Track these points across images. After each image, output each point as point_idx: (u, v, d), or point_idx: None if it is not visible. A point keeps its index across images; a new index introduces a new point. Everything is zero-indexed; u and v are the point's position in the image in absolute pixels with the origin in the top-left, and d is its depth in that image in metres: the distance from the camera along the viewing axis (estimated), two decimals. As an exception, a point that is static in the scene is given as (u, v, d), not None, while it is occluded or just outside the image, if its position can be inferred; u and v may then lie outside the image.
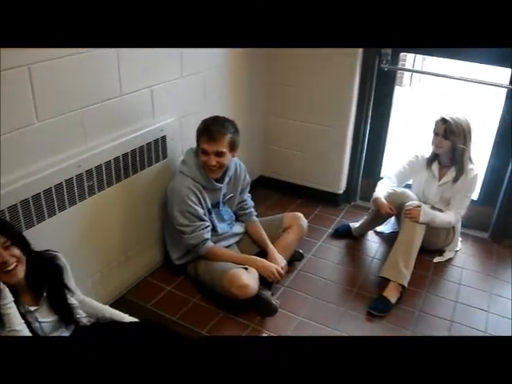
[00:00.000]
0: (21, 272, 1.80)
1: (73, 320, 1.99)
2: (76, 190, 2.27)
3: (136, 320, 2.17)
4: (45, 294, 1.93)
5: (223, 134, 2.61)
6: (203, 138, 2.62)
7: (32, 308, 1.87)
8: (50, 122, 2.12)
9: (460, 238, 3.43)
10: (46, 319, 1.91)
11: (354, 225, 3.54)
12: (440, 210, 3.16)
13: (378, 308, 2.78)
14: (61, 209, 2.20)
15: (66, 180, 2.20)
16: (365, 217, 3.48)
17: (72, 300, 2.01)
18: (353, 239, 3.51)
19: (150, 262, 2.99)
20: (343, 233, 3.54)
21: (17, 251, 1.79)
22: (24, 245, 1.85)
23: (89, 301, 2.16)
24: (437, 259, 3.29)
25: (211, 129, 2.60)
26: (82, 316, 2.04)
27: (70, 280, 2.05)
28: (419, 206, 2.96)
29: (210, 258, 2.76)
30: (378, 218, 3.33)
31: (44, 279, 1.94)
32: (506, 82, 3.27)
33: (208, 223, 2.75)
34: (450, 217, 3.11)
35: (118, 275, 2.72)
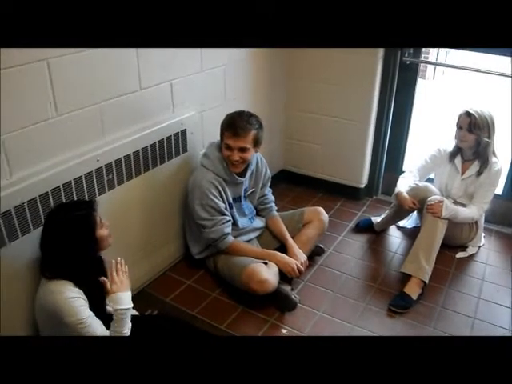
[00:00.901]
0: None
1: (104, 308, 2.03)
2: (95, 184, 2.28)
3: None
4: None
5: (248, 129, 2.59)
6: (228, 133, 2.60)
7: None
8: (69, 115, 2.13)
9: (483, 234, 3.38)
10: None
11: (376, 219, 3.50)
12: (463, 205, 3.12)
13: (399, 304, 2.75)
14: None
15: (85, 174, 2.20)
16: (387, 211, 3.45)
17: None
18: (374, 234, 3.47)
19: (170, 256, 2.99)
20: (365, 227, 3.51)
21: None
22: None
23: None
24: (459, 255, 3.24)
25: (236, 124, 2.58)
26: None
27: None
28: (441, 201, 2.92)
29: (230, 253, 2.76)
30: (400, 212, 3.29)
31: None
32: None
33: (229, 217, 2.74)
34: (472, 212, 3.07)
35: (138, 269, 2.72)
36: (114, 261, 2.06)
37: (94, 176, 2.26)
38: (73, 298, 1.84)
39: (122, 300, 1.97)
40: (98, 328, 1.88)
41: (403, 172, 3.42)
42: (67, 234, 1.90)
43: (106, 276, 2.01)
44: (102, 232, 1.98)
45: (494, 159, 3.07)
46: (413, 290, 2.81)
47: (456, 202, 3.16)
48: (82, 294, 1.88)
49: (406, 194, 3.07)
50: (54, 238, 1.91)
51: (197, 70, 2.82)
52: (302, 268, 2.76)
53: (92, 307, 1.91)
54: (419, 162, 3.31)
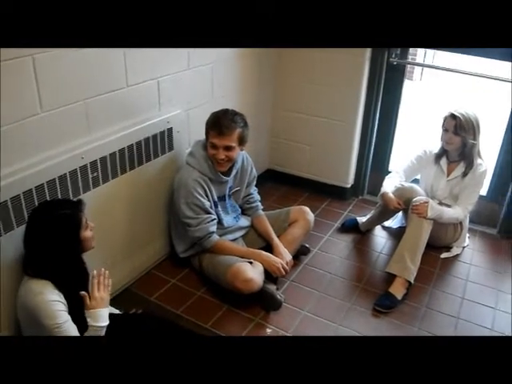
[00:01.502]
0: None
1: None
2: (80, 182, 2.25)
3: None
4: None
5: (233, 128, 2.59)
6: (213, 131, 2.59)
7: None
8: (54, 112, 2.11)
9: (468, 234, 3.40)
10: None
11: (362, 219, 3.51)
12: (448, 206, 3.14)
13: (384, 304, 2.76)
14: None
15: (69, 171, 2.18)
16: (372, 211, 3.46)
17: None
18: (360, 234, 3.48)
19: (155, 255, 2.98)
20: (350, 227, 3.52)
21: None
22: None
23: None
24: (444, 255, 3.26)
25: (221, 123, 2.57)
26: None
27: None
28: (427, 202, 2.94)
29: (215, 252, 2.75)
30: (386, 212, 3.30)
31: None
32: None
33: (214, 216, 2.74)
34: (457, 212, 3.08)
35: (123, 267, 2.71)
36: (96, 272, 2.04)
37: (79, 173, 2.23)
38: (53, 302, 1.82)
39: (100, 317, 1.96)
40: (72, 334, 1.86)
41: (389, 172, 3.42)
42: (50, 232, 1.88)
43: (87, 279, 2.01)
44: (87, 233, 1.97)
45: (479, 161, 3.09)
46: (398, 290, 2.82)
47: (441, 203, 3.18)
48: (62, 297, 1.87)
49: (391, 195, 3.08)
50: (37, 237, 1.89)
51: (184, 67, 2.80)
52: (287, 267, 2.76)
53: (71, 309, 1.89)
54: (405, 163, 3.32)
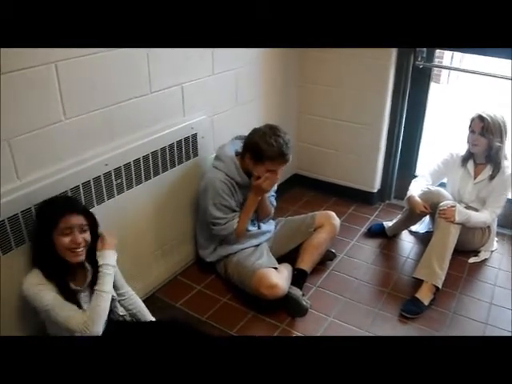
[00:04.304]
0: (84, 255, 1.96)
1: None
2: (104, 188, 2.28)
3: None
4: (88, 280, 2.02)
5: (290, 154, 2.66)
6: (277, 161, 2.62)
7: (77, 288, 1.99)
8: (78, 119, 2.13)
9: (496, 238, 3.34)
10: (86, 304, 1.98)
11: (388, 224, 3.48)
12: (475, 210, 3.10)
13: (411, 310, 2.73)
14: (89, 207, 2.18)
15: (93, 178, 2.20)
16: (399, 216, 3.42)
17: (112, 291, 2.06)
18: (386, 239, 3.44)
19: (181, 261, 2.99)
20: (377, 232, 3.49)
21: (88, 236, 1.97)
22: (95, 231, 2.03)
23: (133, 296, 2.25)
24: (472, 260, 3.21)
25: (286, 152, 2.61)
26: (118, 310, 2.11)
27: (116, 269, 2.11)
28: (454, 206, 2.90)
29: (238, 237, 2.79)
30: (412, 217, 3.26)
31: (92, 264, 2.04)
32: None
33: (239, 213, 2.77)
34: (485, 216, 3.04)
35: (149, 273, 2.73)
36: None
37: (103, 180, 2.26)
38: (36, 285, 1.87)
39: (108, 256, 2.02)
40: (63, 309, 1.89)
41: (416, 177, 3.39)
42: (33, 226, 1.96)
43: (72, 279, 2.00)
44: (61, 240, 1.89)
45: (506, 163, 3.06)
46: (424, 296, 2.78)
47: (468, 207, 3.14)
48: (52, 284, 1.90)
49: (417, 198, 3.05)
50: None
51: (208, 73, 2.81)
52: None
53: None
54: (432, 167, 3.29)
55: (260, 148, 2.59)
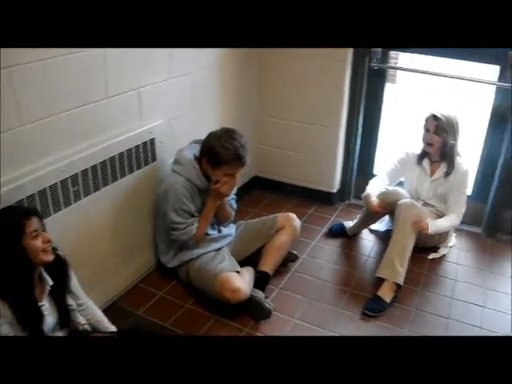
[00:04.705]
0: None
1: (68, 323, 1.99)
2: (61, 196, 2.22)
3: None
4: (47, 292, 1.94)
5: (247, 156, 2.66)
6: (234, 164, 2.62)
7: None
8: (34, 125, 2.07)
9: (454, 234, 3.42)
10: (49, 316, 1.92)
11: (349, 224, 3.50)
12: (432, 206, 3.22)
13: (373, 308, 2.75)
14: (45, 215, 2.13)
15: (49, 186, 2.15)
16: (359, 215, 3.45)
17: (71, 302, 2.01)
18: (347, 238, 3.47)
19: (141, 268, 2.95)
20: (337, 232, 3.51)
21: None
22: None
23: (92, 306, 2.17)
24: (432, 256, 3.26)
25: (242, 154, 2.61)
26: (78, 319, 2.04)
27: (73, 280, 2.05)
28: (425, 218, 3.01)
29: (198, 241, 2.77)
30: (372, 216, 3.31)
31: (51, 275, 1.96)
32: (495, 79, 3.33)
33: (198, 218, 2.76)
34: (452, 220, 3.15)
35: (109, 281, 2.68)
36: None
37: (59, 188, 2.20)
38: None
39: None
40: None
41: (375, 176, 3.43)
42: None
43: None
44: (33, 243, 1.82)
45: (459, 160, 3.14)
46: (386, 294, 2.81)
47: (426, 204, 3.20)
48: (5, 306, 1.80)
49: (373, 198, 3.08)
50: None
51: (165, 77, 2.78)
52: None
53: (20, 319, 1.81)
54: (389, 167, 3.34)
55: (216, 152, 2.58)
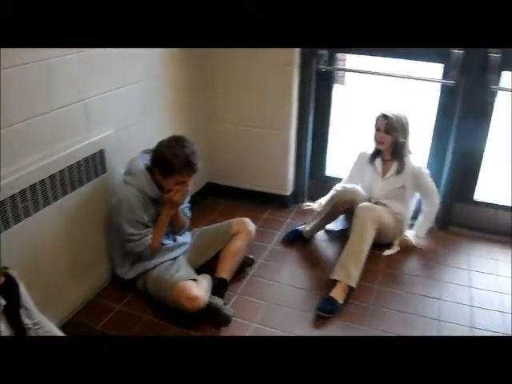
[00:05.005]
0: None
1: None
2: (10, 213, 2.16)
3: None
4: (0, 311, 1.87)
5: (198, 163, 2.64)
6: (186, 172, 2.60)
7: None
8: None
9: (408, 230, 3.47)
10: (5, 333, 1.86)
11: (305, 228, 3.50)
12: (384, 205, 3.26)
13: (326, 309, 2.76)
14: (-6, 233, 2.08)
15: (-3, 203, 2.09)
16: (316, 217, 3.45)
17: (27, 320, 1.94)
18: (303, 240, 3.49)
19: (98, 282, 2.89)
20: (294, 238, 3.49)
21: None
22: None
23: (48, 325, 2.08)
24: (387, 252, 3.31)
25: (193, 161, 2.60)
26: None
27: (26, 299, 1.97)
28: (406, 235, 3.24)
29: (153, 252, 2.74)
30: (330, 216, 3.34)
31: (3, 295, 1.87)
32: (439, 76, 3.42)
33: (152, 229, 2.73)
34: (432, 206, 3.36)
35: (65, 297, 2.62)
36: None
37: (8, 204, 2.14)
38: None
39: None
40: None
41: (327, 177, 3.48)
42: None
43: None
44: None
45: (411, 158, 3.22)
46: (339, 295, 2.82)
47: (378, 203, 3.25)
48: None
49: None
50: None
51: (113, 86, 2.75)
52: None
53: None
54: (347, 173, 3.46)
55: (167, 161, 2.57)
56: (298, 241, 3.49)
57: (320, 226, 3.47)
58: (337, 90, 3.72)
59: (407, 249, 3.25)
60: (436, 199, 3.31)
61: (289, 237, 3.51)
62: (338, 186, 3.31)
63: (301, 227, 3.53)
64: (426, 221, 3.36)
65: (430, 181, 3.26)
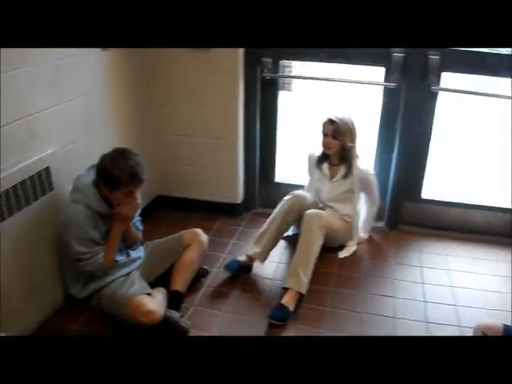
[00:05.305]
0: None
1: None
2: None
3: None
4: None
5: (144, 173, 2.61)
6: (134, 183, 2.57)
7: None
8: None
9: (359, 230, 3.52)
10: None
11: (254, 251, 3.18)
12: (331, 208, 3.33)
13: (278, 316, 2.76)
14: None
15: None
16: (265, 237, 3.21)
17: None
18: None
19: (51, 303, 2.82)
20: (236, 269, 3.18)
21: None
22: None
23: None
24: (342, 254, 3.36)
25: (140, 172, 2.57)
26: None
27: None
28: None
29: (106, 270, 2.70)
30: (280, 229, 3.24)
31: None
32: (381, 80, 3.49)
33: (103, 246, 2.68)
34: (373, 205, 3.45)
35: (16, 322, 2.55)
36: None
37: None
38: None
39: None
40: None
41: (277, 183, 3.50)
42: None
43: None
44: None
45: (358, 161, 3.27)
46: (290, 302, 2.82)
47: (326, 206, 3.31)
48: None
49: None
50: None
51: (55, 102, 2.69)
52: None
53: None
54: (307, 175, 3.53)
55: (111, 174, 2.54)
56: (241, 271, 3.20)
57: (272, 242, 3.24)
58: (284, 97, 3.74)
59: (363, 245, 3.35)
60: (377, 199, 3.42)
61: (230, 268, 3.17)
62: (287, 196, 3.28)
63: (242, 257, 3.24)
64: (369, 218, 3.48)
65: (375, 183, 3.35)
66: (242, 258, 3.23)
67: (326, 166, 3.34)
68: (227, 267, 3.16)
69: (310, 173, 3.50)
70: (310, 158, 3.44)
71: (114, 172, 2.52)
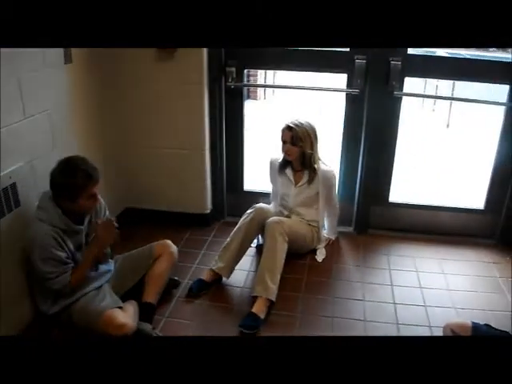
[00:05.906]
0: None
1: None
2: None
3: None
4: None
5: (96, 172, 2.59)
6: (88, 185, 2.53)
7: None
8: None
9: (325, 234, 3.59)
10: None
11: (218, 265, 3.19)
12: (298, 213, 3.37)
13: (248, 325, 2.76)
14: None
15: None
16: (229, 252, 3.22)
17: None
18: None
19: (21, 320, 2.79)
20: (202, 288, 3.15)
21: None
22: None
23: None
24: (320, 258, 3.44)
25: (91, 173, 2.54)
26: None
27: None
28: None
29: (75, 286, 2.65)
30: (244, 242, 3.25)
31: None
32: (344, 86, 3.55)
33: (72, 264, 2.64)
34: (333, 215, 3.53)
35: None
36: None
37: None
38: None
39: None
40: None
41: (246, 191, 3.51)
42: None
43: None
44: None
45: (323, 166, 3.31)
46: (260, 310, 2.84)
47: (292, 212, 3.37)
48: None
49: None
50: None
51: (19, 117, 2.66)
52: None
53: None
54: (270, 183, 3.55)
55: (67, 185, 2.52)
56: (206, 289, 3.15)
57: (236, 256, 3.24)
58: (250, 106, 3.76)
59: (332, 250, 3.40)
60: (336, 202, 3.50)
61: (194, 289, 3.13)
62: (249, 210, 3.29)
63: (206, 273, 3.22)
64: (333, 224, 3.59)
65: (335, 185, 3.42)
66: (206, 275, 3.19)
67: (290, 171, 3.36)
68: (192, 289, 3.12)
69: (272, 179, 3.52)
70: (272, 163, 3.45)
71: (70, 182, 2.51)
